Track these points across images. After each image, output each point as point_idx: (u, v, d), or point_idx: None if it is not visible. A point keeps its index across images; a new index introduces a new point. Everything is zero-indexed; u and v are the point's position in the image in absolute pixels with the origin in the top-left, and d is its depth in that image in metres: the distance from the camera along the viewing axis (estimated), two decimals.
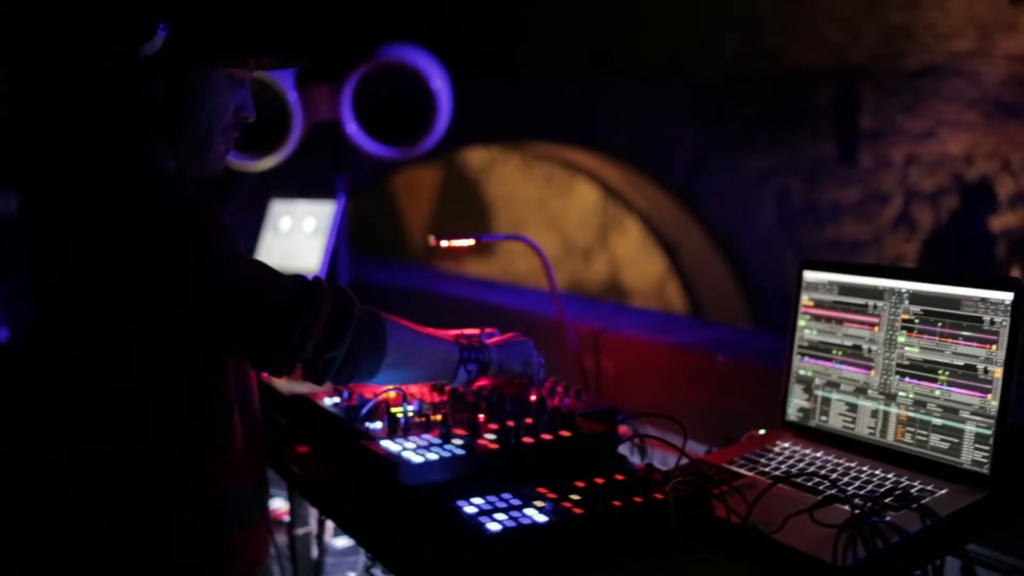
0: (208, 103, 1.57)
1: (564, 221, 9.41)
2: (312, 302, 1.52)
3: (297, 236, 3.49)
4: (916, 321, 1.65)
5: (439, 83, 3.44)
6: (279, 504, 2.63)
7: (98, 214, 1.44)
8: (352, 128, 3.52)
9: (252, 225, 3.76)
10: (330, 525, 2.48)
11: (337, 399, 1.94)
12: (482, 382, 1.86)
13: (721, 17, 7.26)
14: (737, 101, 7.44)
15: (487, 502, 1.47)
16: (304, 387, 2.01)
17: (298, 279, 1.55)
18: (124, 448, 1.47)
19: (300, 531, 2.31)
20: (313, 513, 2.42)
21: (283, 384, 2.06)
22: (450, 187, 9.55)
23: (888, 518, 1.40)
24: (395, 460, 1.58)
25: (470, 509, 1.45)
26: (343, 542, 2.57)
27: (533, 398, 1.87)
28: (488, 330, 1.93)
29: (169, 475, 1.50)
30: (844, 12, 7.44)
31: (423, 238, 9.51)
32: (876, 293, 1.72)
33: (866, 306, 1.74)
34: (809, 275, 1.85)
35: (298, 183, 3.95)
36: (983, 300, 1.55)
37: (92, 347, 1.45)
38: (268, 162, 3.55)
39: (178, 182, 1.55)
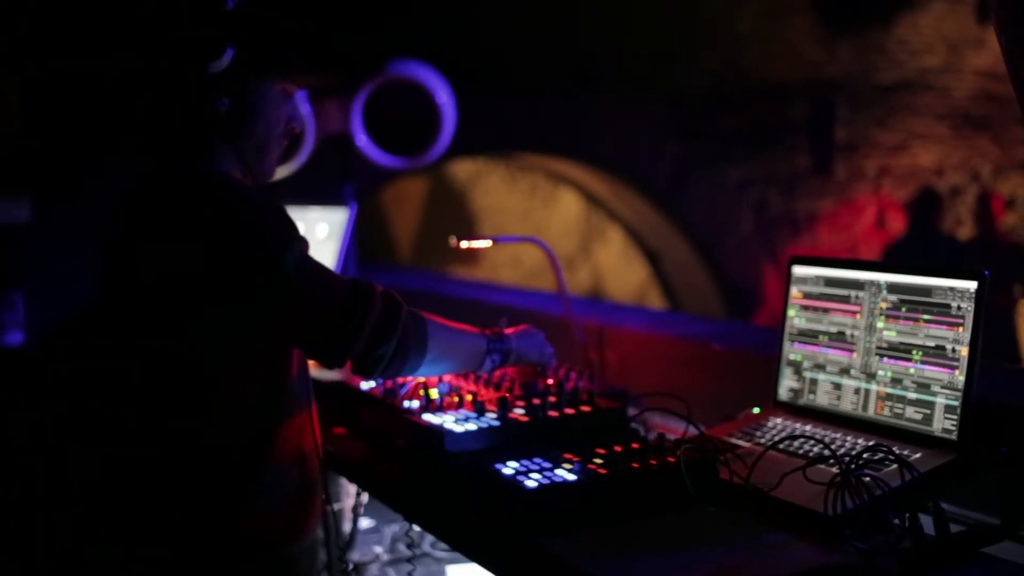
0: (266, 113, 1.75)
1: (547, 231, 9.63)
2: (365, 303, 1.70)
3: (310, 242, 3.67)
4: (893, 308, 1.88)
5: (444, 98, 3.65)
6: None
7: (177, 213, 1.63)
8: (361, 140, 3.72)
9: None
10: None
11: (372, 383, 2.14)
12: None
13: (701, 34, 7.53)
14: (716, 114, 7.70)
15: (521, 465, 1.68)
16: (340, 373, 2.22)
17: (354, 282, 1.73)
18: (202, 424, 1.65)
19: (333, 507, 2.51)
20: (345, 491, 2.62)
21: (318, 371, 2.25)
22: (437, 198, 9.75)
23: (871, 473, 1.62)
24: (440, 429, 1.79)
25: (508, 470, 1.66)
26: (366, 523, 2.77)
27: (551, 382, 2.08)
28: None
29: (243, 446, 1.67)
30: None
31: (410, 247, 9.71)
32: (857, 284, 1.95)
33: (849, 296, 1.96)
34: (798, 269, 2.08)
35: (305, 191, 4.14)
36: (951, 289, 1.78)
37: (166, 336, 1.62)
38: (281, 172, 3.74)
39: (247, 185, 1.73)
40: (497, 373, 2.10)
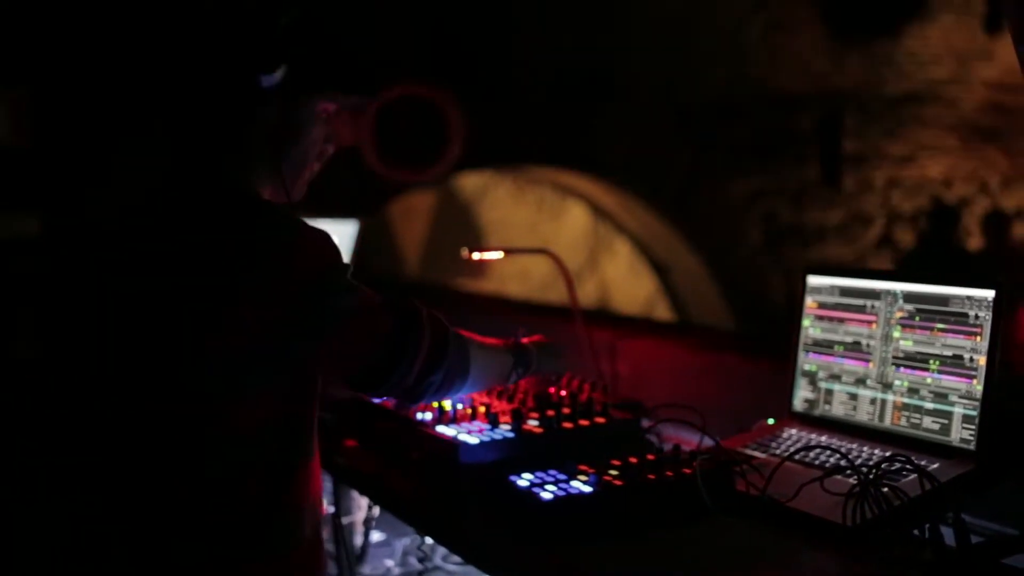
0: (308, 132, 1.69)
1: (555, 245, 9.57)
2: (416, 333, 1.66)
3: None
4: (909, 318, 1.87)
5: (454, 111, 3.65)
6: None
7: (223, 243, 1.54)
8: (371, 153, 3.72)
9: None
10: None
11: None
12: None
13: (710, 45, 7.53)
14: (725, 126, 7.69)
15: (536, 476, 1.67)
16: None
17: (401, 308, 1.67)
18: (228, 457, 1.57)
19: (344, 520, 2.50)
20: (356, 504, 2.61)
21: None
22: (444, 212, 9.75)
23: (890, 484, 1.60)
24: (455, 442, 1.78)
25: (523, 482, 1.65)
26: (377, 536, 2.75)
27: (563, 393, 2.07)
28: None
29: (265, 483, 1.60)
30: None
31: (418, 260, 9.71)
32: (873, 294, 1.94)
33: (864, 306, 1.95)
34: (812, 279, 2.07)
35: (314, 203, 4.14)
36: (968, 297, 1.77)
37: (207, 367, 1.52)
38: None
39: (287, 208, 1.66)
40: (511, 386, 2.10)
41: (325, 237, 1.60)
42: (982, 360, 1.73)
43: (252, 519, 1.59)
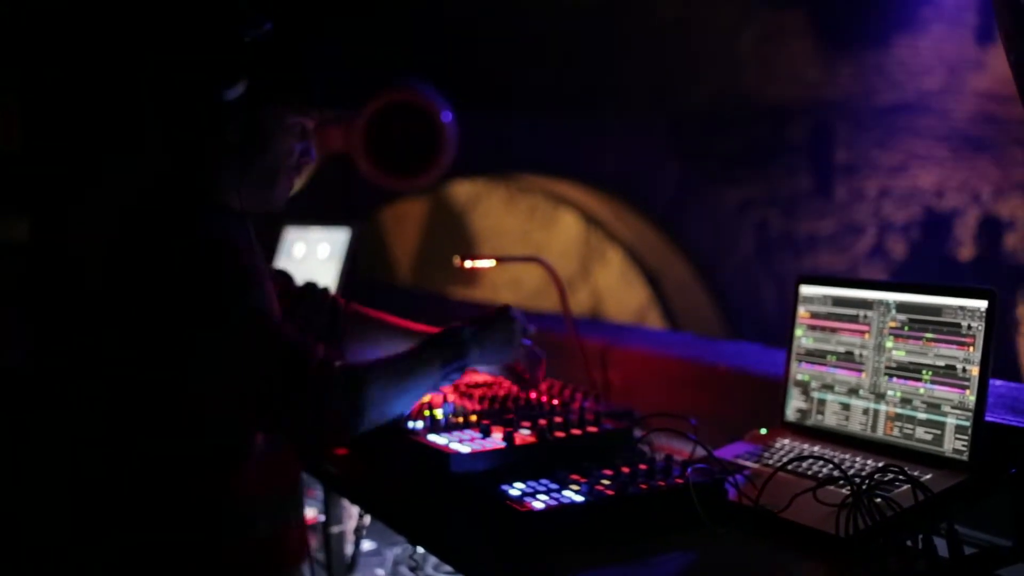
0: (277, 145, 1.75)
1: (547, 253, 9.58)
2: (291, 377, 1.59)
3: (312, 262, 3.67)
4: (902, 328, 1.86)
5: (446, 118, 3.64)
6: (309, 512, 2.79)
7: (168, 252, 1.64)
8: (362, 160, 3.71)
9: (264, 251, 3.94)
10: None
11: None
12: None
13: (701, 55, 7.54)
14: (716, 136, 7.71)
15: (528, 486, 1.66)
16: None
17: (292, 349, 1.62)
18: (177, 451, 1.67)
19: (335, 529, 2.49)
20: (347, 513, 2.59)
21: None
22: (436, 220, 9.74)
23: (883, 495, 1.60)
24: (446, 450, 1.77)
25: (514, 492, 1.64)
26: (368, 545, 2.74)
27: (555, 402, 2.06)
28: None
29: (213, 476, 1.69)
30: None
31: (410, 267, 9.69)
32: (866, 304, 1.93)
33: (857, 316, 1.95)
34: (805, 289, 2.06)
35: (307, 210, 4.13)
36: (961, 308, 1.76)
37: (148, 367, 1.64)
38: None
39: (239, 223, 1.72)
40: (501, 393, 2.10)
41: (244, 260, 1.64)
42: (975, 370, 1.73)
43: (194, 508, 1.68)
